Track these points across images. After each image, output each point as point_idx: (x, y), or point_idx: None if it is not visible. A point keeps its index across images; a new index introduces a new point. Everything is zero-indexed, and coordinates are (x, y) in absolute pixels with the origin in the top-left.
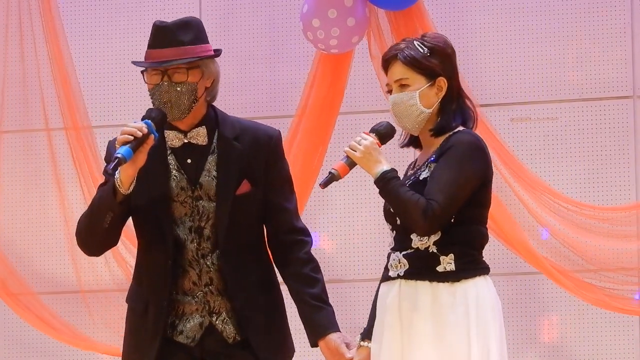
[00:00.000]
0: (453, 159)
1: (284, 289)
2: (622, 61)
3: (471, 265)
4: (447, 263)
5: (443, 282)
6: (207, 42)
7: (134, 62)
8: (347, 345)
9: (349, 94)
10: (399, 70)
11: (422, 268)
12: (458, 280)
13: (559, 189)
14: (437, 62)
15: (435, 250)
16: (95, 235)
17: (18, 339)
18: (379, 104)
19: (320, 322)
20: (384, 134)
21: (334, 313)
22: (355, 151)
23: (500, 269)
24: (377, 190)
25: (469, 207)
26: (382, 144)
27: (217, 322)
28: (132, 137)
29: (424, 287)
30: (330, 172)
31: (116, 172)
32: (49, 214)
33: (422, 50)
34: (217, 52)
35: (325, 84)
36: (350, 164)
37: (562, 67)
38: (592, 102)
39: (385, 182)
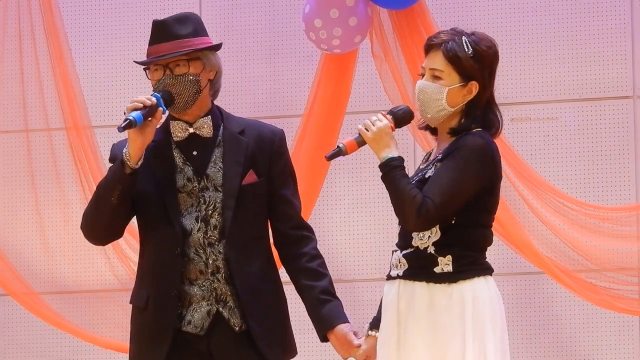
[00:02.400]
0: (457, 160)
1: (288, 289)
2: (622, 61)
3: (470, 266)
4: (444, 264)
5: (440, 283)
6: (206, 35)
7: (136, 62)
8: (355, 334)
9: (353, 94)
10: (438, 60)
11: (420, 269)
12: (455, 282)
13: (559, 189)
14: (477, 66)
15: (433, 252)
16: (101, 215)
17: (18, 339)
18: (383, 104)
19: (328, 315)
20: (400, 118)
21: (342, 306)
22: (368, 131)
23: (502, 269)
24: (382, 188)
25: (472, 212)
26: (397, 128)
27: (223, 311)
28: (141, 105)
29: (421, 288)
30: (337, 146)
31: (124, 149)
32: (49, 214)
33: (466, 50)
34: (217, 46)
35: (331, 83)
36: (360, 142)
37: (562, 67)
38: (592, 102)
39: (389, 169)
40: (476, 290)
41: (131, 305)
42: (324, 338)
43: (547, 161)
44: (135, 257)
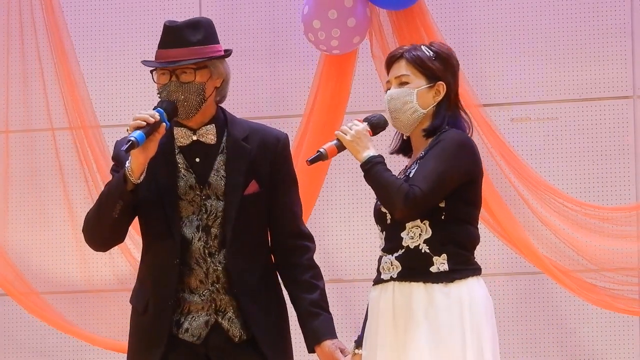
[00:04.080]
0: (441, 151)
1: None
2: (622, 61)
3: (464, 265)
4: (440, 263)
5: (437, 283)
6: (217, 43)
7: (144, 62)
8: (342, 352)
9: (353, 94)
10: (402, 67)
11: (415, 269)
12: (452, 281)
13: (559, 189)
14: (441, 66)
15: (427, 250)
16: (103, 227)
17: (18, 339)
18: (382, 104)
19: (317, 328)
20: (375, 124)
21: (332, 320)
22: (346, 135)
23: (502, 269)
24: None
25: (459, 204)
26: (373, 134)
27: (222, 321)
28: (144, 123)
29: (418, 289)
30: (318, 151)
31: (127, 163)
32: (54, 214)
33: (428, 53)
34: (227, 53)
35: (331, 84)
36: (340, 146)
37: (562, 67)
38: (592, 102)
39: (371, 166)
40: (472, 291)
41: (130, 305)
42: (311, 350)
43: (547, 161)
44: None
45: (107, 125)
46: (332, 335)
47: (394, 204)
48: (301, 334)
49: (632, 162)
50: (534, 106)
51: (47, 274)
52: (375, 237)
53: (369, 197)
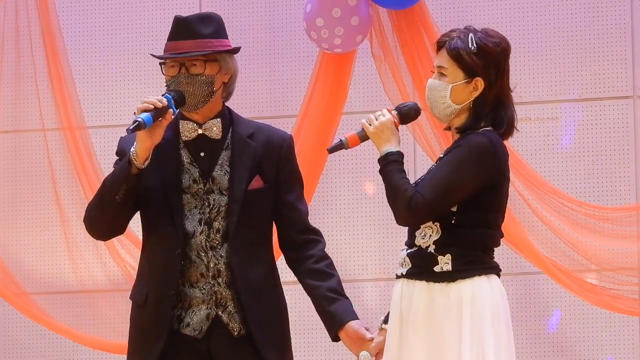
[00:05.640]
0: (455, 158)
1: (288, 289)
2: (622, 61)
3: (471, 265)
4: (444, 263)
5: (439, 282)
6: (226, 37)
7: (153, 55)
8: (367, 329)
9: (351, 94)
10: (442, 58)
11: (421, 268)
12: (454, 281)
13: (559, 189)
14: (480, 62)
15: (433, 250)
16: (105, 212)
17: (17, 339)
18: (381, 104)
19: (338, 312)
20: (405, 114)
21: (351, 304)
22: (370, 125)
23: (502, 269)
24: (380, 187)
25: (472, 210)
26: (401, 124)
27: (223, 315)
28: (152, 107)
29: (421, 288)
30: (340, 140)
31: (132, 148)
32: (46, 215)
33: (470, 46)
34: (236, 49)
35: (328, 83)
36: (362, 136)
37: (562, 67)
38: (592, 102)
39: (386, 163)
40: (476, 289)
41: (126, 305)
42: (335, 337)
43: (547, 161)
44: (129, 258)
45: (104, 125)
46: (355, 316)
47: (397, 208)
48: (303, 334)
49: (632, 162)
50: (534, 106)
51: (39, 274)
52: (374, 237)
53: (369, 196)
